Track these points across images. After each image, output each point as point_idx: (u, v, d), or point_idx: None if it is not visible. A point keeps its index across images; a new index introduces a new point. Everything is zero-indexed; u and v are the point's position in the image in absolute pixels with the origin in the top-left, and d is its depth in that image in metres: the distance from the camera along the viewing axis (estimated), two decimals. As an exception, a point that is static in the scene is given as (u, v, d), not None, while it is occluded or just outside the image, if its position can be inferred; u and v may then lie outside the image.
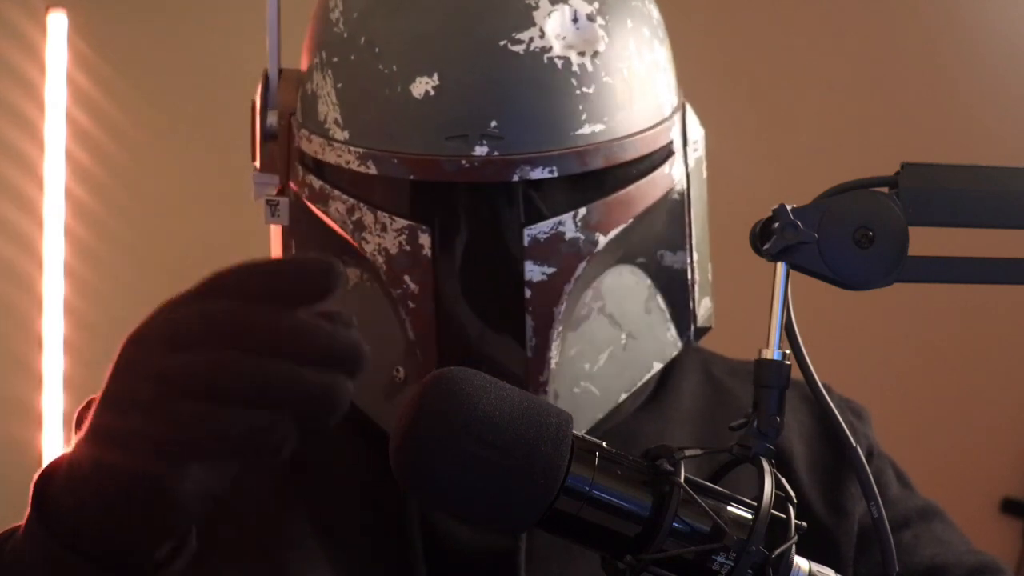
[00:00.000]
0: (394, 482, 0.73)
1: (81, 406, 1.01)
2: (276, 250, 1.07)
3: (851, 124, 2.77)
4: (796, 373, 0.80)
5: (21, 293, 2.48)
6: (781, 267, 0.78)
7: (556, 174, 0.94)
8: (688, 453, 0.75)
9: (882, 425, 1.16)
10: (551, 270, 0.95)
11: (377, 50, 0.96)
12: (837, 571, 0.76)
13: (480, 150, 0.93)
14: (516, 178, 0.94)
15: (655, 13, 1.04)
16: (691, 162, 1.05)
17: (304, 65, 1.04)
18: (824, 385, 0.80)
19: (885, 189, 0.79)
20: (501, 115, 0.93)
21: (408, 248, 0.95)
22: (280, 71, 1.03)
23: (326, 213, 0.99)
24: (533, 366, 0.96)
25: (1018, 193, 0.79)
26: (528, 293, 0.95)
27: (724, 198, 2.01)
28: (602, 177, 0.97)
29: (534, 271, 0.95)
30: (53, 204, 2.45)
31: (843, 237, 0.78)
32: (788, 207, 0.78)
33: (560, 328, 0.96)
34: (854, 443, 0.78)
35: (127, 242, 2.55)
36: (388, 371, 0.98)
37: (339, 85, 0.98)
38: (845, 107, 2.78)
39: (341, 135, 0.97)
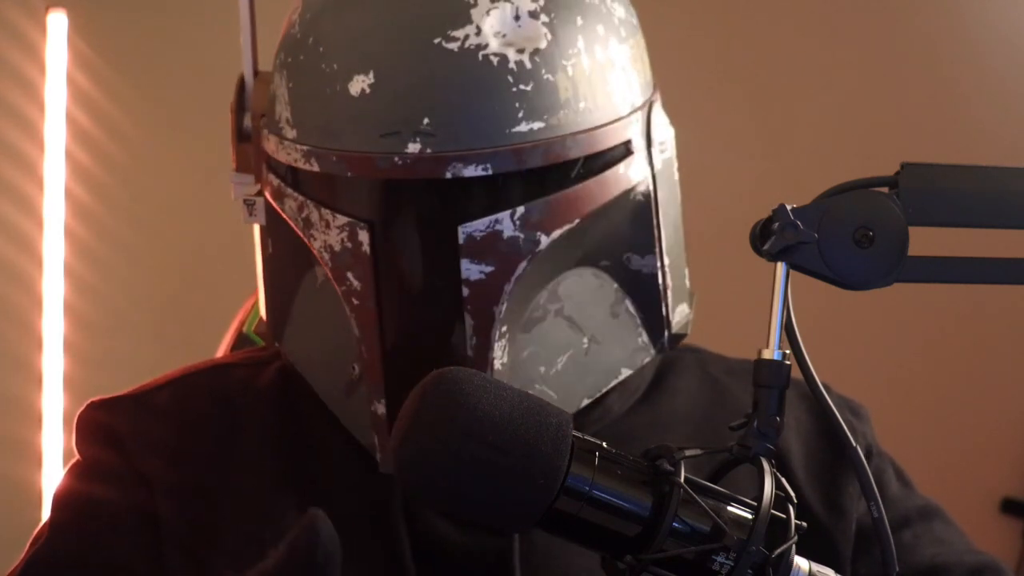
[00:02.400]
0: (381, 485, 0.73)
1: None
2: (257, 248, 1.08)
3: (851, 124, 2.77)
4: (795, 372, 0.80)
5: (21, 293, 2.47)
6: (781, 267, 0.78)
7: (490, 171, 0.93)
8: (688, 453, 0.75)
9: (882, 425, 1.16)
10: (489, 269, 0.95)
11: (322, 49, 0.97)
12: (835, 570, 0.76)
13: (412, 147, 0.93)
14: (449, 175, 0.93)
15: (619, 11, 1.02)
16: (658, 163, 1.02)
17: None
18: (823, 384, 0.80)
19: (885, 189, 0.79)
20: (433, 112, 0.93)
21: (349, 245, 0.96)
22: (258, 73, 1.05)
23: (283, 211, 1.00)
24: (475, 367, 0.93)
25: (1018, 193, 0.79)
26: (466, 292, 0.95)
27: (724, 198, 2.01)
28: (543, 175, 0.96)
29: (471, 269, 0.94)
30: (53, 204, 2.45)
31: (843, 237, 0.78)
32: (788, 207, 0.78)
33: (504, 328, 0.95)
34: (854, 443, 0.78)
35: (127, 242, 2.55)
36: (346, 369, 0.99)
37: (290, 85, 0.99)
38: (845, 107, 2.78)
39: (291, 133, 0.99)
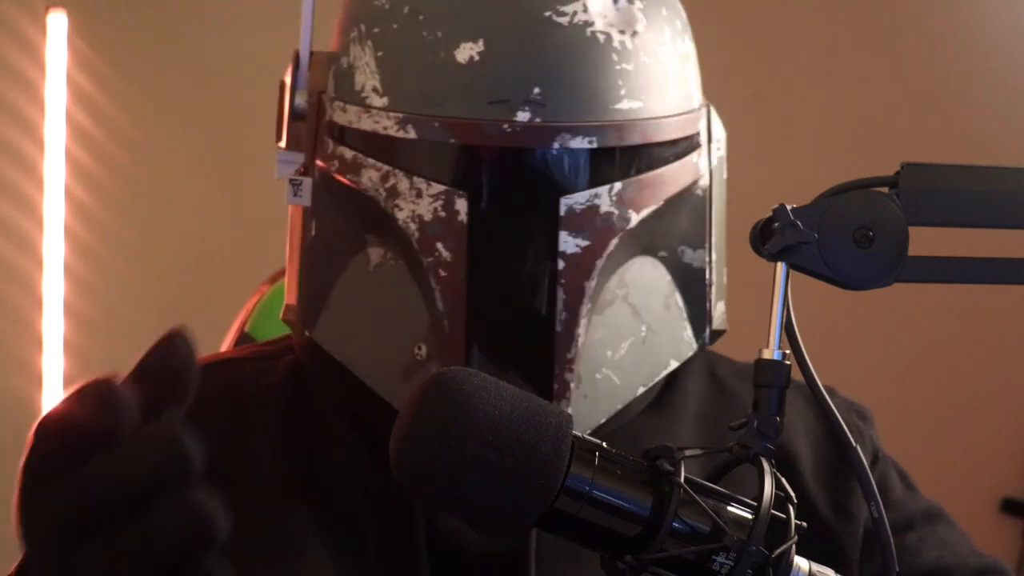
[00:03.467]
0: (399, 485, 0.73)
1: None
2: (295, 231, 1.06)
3: (851, 124, 2.77)
4: (796, 373, 0.80)
5: (21, 293, 2.48)
6: (781, 267, 0.78)
7: (595, 145, 0.95)
8: (688, 453, 0.75)
9: (882, 425, 1.16)
10: (584, 243, 0.96)
11: (421, 17, 0.97)
12: (841, 573, 0.76)
13: (522, 116, 0.94)
14: (556, 146, 0.94)
15: (683, 14, 1.07)
16: (714, 160, 1.05)
17: (334, 45, 1.04)
18: (828, 388, 0.80)
19: (885, 189, 0.79)
20: (544, 83, 0.94)
21: (443, 214, 0.95)
22: (311, 53, 1.03)
23: (357, 183, 0.98)
24: (561, 341, 0.95)
25: (1018, 193, 0.79)
26: (561, 264, 0.95)
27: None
28: (637, 155, 0.98)
29: (568, 242, 0.95)
30: (53, 204, 2.45)
31: (843, 237, 0.78)
32: (788, 207, 0.78)
33: (589, 306, 0.96)
34: (854, 443, 0.78)
35: (127, 242, 2.55)
36: (409, 350, 0.98)
37: (379, 54, 0.99)
38: (845, 107, 2.78)
39: (379, 102, 0.98)
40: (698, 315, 1.05)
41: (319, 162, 1.02)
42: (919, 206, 0.78)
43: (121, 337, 2.52)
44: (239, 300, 1.45)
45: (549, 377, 0.96)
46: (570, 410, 0.96)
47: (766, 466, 0.75)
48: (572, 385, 0.96)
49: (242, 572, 0.97)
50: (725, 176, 1.08)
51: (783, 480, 0.75)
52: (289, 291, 1.06)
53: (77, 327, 2.49)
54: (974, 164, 0.80)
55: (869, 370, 2.55)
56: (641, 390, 1.02)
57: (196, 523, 0.64)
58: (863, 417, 1.13)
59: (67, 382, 2.44)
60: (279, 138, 1.04)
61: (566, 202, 0.95)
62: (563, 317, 0.95)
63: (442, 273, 0.95)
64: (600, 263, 0.96)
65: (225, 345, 1.41)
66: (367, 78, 0.99)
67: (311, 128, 1.02)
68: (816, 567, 0.75)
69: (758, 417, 0.77)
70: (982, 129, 2.78)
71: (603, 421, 1.00)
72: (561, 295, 0.95)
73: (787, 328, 0.78)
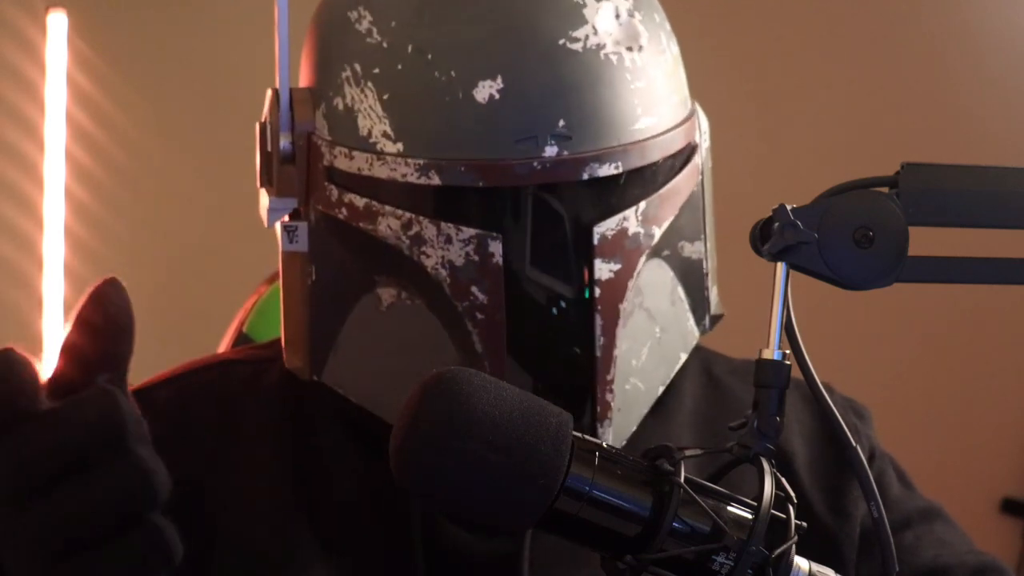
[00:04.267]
0: (396, 487, 0.73)
1: None
2: (289, 276, 1.02)
3: (851, 124, 2.77)
4: (796, 373, 0.80)
5: (21, 293, 2.48)
6: (781, 267, 0.78)
7: (621, 170, 0.94)
8: (688, 453, 0.75)
9: (882, 425, 1.16)
10: (617, 267, 0.95)
11: (430, 57, 0.94)
12: (839, 573, 0.76)
13: (550, 151, 0.92)
14: (586, 176, 0.93)
15: (662, 11, 1.05)
16: (703, 152, 1.05)
17: (311, 81, 1.00)
18: (826, 385, 0.80)
19: (885, 189, 0.79)
20: (568, 114, 0.93)
21: (476, 258, 0.93)
22: (291, 91, 0.99)
23: (375, 231, 0.95)
24: (602, 366, 0.95)
25: (1018, 193, 0.79)
26: (597, 292, 0.95)
27: (724, 198, 2.01)
28: (655, 171, 0.98)
29: (602, 269, 0.95)
30: (53, 204, 2.45)
31: (843, 237, 0.78)
32: (788, 207, 0.78)
33: (623, 325, 0.96)
34: (854, 443, 0.78)
35: (127, 242, 2.55)
36: None
37: (385, 96, 0.95)
38: (845, 107, 2.78)
39: (393, 147, 0.94)
40: (698, 304, 1.05)
41: (318, 207, 0.98)
42: (919, 206, 0.78)
43: (121, 337, 2.51)
44: (238, 300, 1.45)
45: (593, 402, 0.95)
46: (612, 429, 0.96)
47: (766, 466, 0.75)
48: (613, 405, 0.96)
49: (227, 566, 0.97)
50: (711, 164, 1.08)
51: (783, 480, 0.75)
52: (289, 337, 1.03)
53: (77, 327, 2.49)
54: (974, 164, 0.80)
55: (869, 370, 2.55)
56: (661, 389, 1.02)
57: (138, 481, 0.64)
58: (860, 416, 1.13)
59: (67, 382, 2.44)
60: (265, 182, 1.00)
61: (599, 230, 0.94)
62: (601, 343, 0.95)
63: (479, 316, 0.94)
64: (632, 283, 0.96)
65: (223, 345, 1.41)
66: (374, 122, 0.95)
67: (302, 171, 0.98)
68: (816, 567, 0.75)
69: (758, 417, 0.77)
70: (982, 129, 2.78)
71: (635, 429, 1.00)
72: (599, 321, 0.95)
73: (787, 328, 0.78)
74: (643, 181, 0.97)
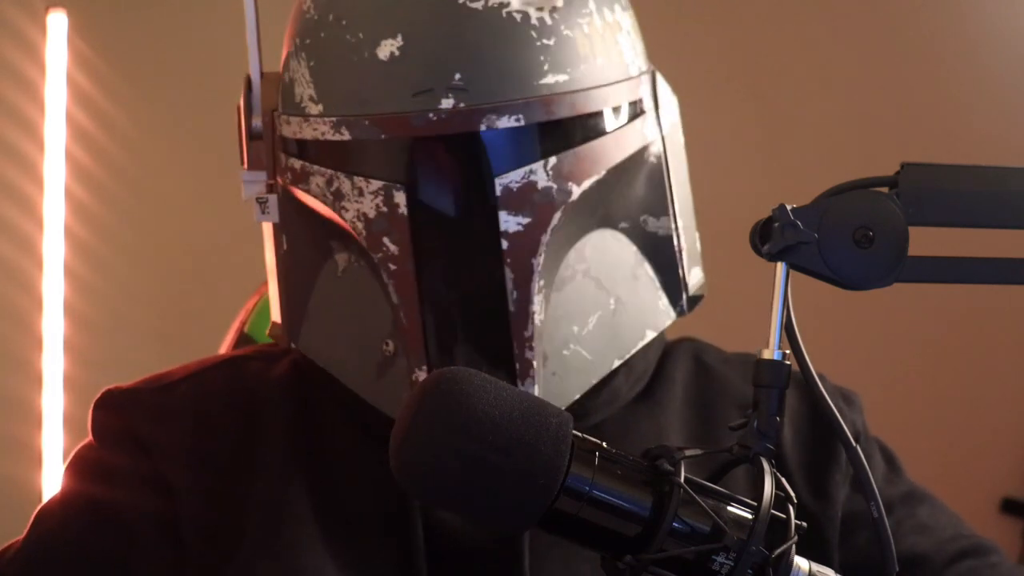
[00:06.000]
0: (398, 485, 0.73)
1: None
2: (268, 248, 1.08)
3: (851, 124, 2.77)
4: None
5: (21, 293, 2.47)
6: (781, 267, 0.78)
7: (523, 122, 0.96)
8: (688, 453, 0.75)
9: (882, 425, 1.16)
10: (526, 220, 0.97)
11: (344, 22, 0.99)
12: (821, 555, 0.76)
13: (446, 103, 0.96)
14: (483, 127, 0.96)
15: None
16: (666, 126, 1.06)
17: (281, 62, 1.06)
18: (819, 375, 0.80)
19: (885, 189, 0.79)
20: (464, 68, 0.96)
21: (385, 209, 0.97)
22: (263, 75, 1.06)
23: (307, 191, 1.01)
24: (517, 321, 0.97)
25: (1018, 193, 0.79)
26: (505, 244, 0.96)
27: (724, 198, 2.01)
28: (570, 128, 0.99)
29: (509, 221, 0.96)
30: (53, 204, 2.45)
31: (843, 237, 0.78)
32: (788, 207, 0.78)
33: (541, 283, 0.97)
34: (854, 443, 0.78)
35: (127, 242, 2.55)
36: (378, 347, 0.99)
37: (311, 64, 1.01)
38: (845, 107, 2.78)
39: (315, 109, 1.00)
40: (672, 282, 1.06)
41: (278, 178, 1.04)
42: (919, 206, 0.78)
43: (121, 337, 2.52)
44: (239, 300, 1.45)
45: (511, 358, 0.97)
46: (537, 388, 0.97)
47: (766, 466, 0.75)
48: (535, 363, 0.97)
49: (246, 564, 0.98)
50: (682, 141, 1.08)
51: (783, 480, 0.76)
52: (274, 305, 1.08)
53: (77, 327, 2.49)
54: (974, 164, 0.80)
55: (869, 370, 2.55)
56: (617, 362, 1.03)
57: None
58: (849, 402, 1.13)
59: (67, 382, 2.44)
60: (242, 160, 1.07)
61: (501, 182, 0.96)
62: (515, 296, 0.97)
63: (392, 267, 0.97)
64: (545, 238, 0.97)
65: (224, 346, 1.41)
66: (304, 88, 1.01)
67: (268, 146, 1.05)
68: (816, 567, 0.76)
69: (758, 417, 0.77)
70: (982, 129, 2.78)
71: (578, 396, 1.00)
72: (509, 274, 0.96)
73: (787, 328, 0.78)
74: (554, 137, 0.98)
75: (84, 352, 2.48)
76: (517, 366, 0.97)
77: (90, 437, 1.05)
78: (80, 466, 1.04)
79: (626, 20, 1.05)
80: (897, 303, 1.92)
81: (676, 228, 1.05)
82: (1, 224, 2.47)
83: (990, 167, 0.80)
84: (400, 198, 0.97)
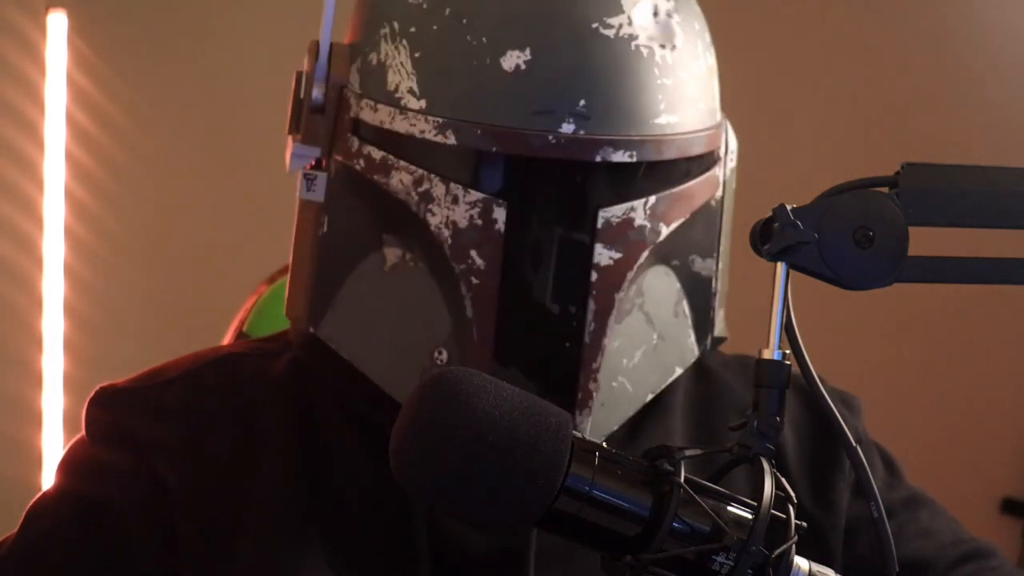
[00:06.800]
0: (399, 485, 0.73)
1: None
2: (303, 226, 1.04)
3: (851, 124, 2.77)
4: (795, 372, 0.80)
5: (21, 293, 2.48)
6: (781, 267, 0.78)
7: (635, 159, 0.95)
8: (688, 453, 0.75)
9: (882, 425, 1.16)
10: (618, 255, 0.96)
11: (465, 21, 0.96)
12: (824, 563, 0.76)
13: (567, 127, 0.94)
14: (599, 159, 0.95)
15: (707, 26, 1.07)
16: (727, 172, 1.06)
17: (353, 38, 1.02)
18: (819, 377, 0.80)
19: (885, 189, 0.79)
20: (590, 96, 0.94)
21: (479, 222, 0.95)
22: (332, 45, 1.02)
23: (386, 184, 0.98)
24: (588, 352, 0.96)
25: (1018, 193, 0.79)
26: (594, 276, 0.96)
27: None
28: (670, 169, 0.99)
29: (603, 255, 0.96)
30: (53, 204, 2.45)
31: (843, 237, 0.78)
32: (788, 207, 0.78)
33: (615, 316, 0.97)
34: (854, 443, 0.78)
35: (127, 242, 2.55)
36: (428, 353, 0.97)
37: (416, 54, 0.97)
38: (845, 107, 2.78)
39: (416, 104, 0.96)
40: (702, 322, 1.05)
41: (338, 157, 1.00)
42: (919, 206, 0.78)
43: (121, 337, 2.52)
44: (238, 300, 1.45)
45: (574, 387, 0.96)
46: (589, 419, 0.96)
47: (766, 466, 0.75)
48: (595, 395, 0.96)
49: (243, 565, 0.98)
50: (734, 186, 1.08)
51: (783, 480, 0.76)
52: (294, 286, 1.05)
53: (77, 327, 2.49)
54: (974, 164, 0.80)
55: (869, 370, 2.55)
56: (650, 397, 1.02)
57: None
58: (850, 407, 1.13)
59: (67, 382, 2.44)
60: (293, 129, 1.03)
61: (604, 215, 0.95)
62: (591, 328, 0.96)
63: (474, 280, 0.95)
64: (631, 275, 0.97)
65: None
66: (402, 78, 0.97)
67: (329, 122, 1.01)
68: (816, 567, 0.76)
69: (758, 417, 0.77)
70: (982, 129, 2.78)
71: (615, 428, 1.00)
72: (592, 306, 0.96)
73: (787, 328, 0.78)
74: (656, 176, 0.98)
75: (84, 352, 2.48)
76: (579, 395, 0.96)
77: (83, 434, 1.04)
78: (73, 463, 1.03)
79: (714, 64, 1.05)
80: (897, 303, 1.92)
81: (717, 270, 1.05)
82: (1, 224, 2.47)
83: (990, 167, 0.80)
84: (500, 214, 0.95)
